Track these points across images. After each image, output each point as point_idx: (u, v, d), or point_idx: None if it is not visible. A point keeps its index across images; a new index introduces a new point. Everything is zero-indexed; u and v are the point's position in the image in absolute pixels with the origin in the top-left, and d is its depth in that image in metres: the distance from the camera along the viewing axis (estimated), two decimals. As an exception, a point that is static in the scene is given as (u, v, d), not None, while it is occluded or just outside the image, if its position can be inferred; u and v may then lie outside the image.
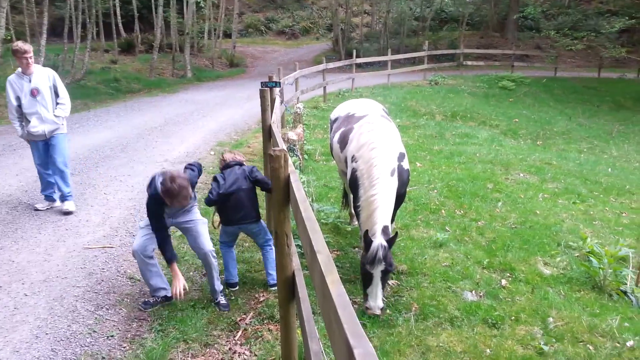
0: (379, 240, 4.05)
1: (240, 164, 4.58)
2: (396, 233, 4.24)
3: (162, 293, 4.30)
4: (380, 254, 3.99)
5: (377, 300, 4.12)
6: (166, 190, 3.80)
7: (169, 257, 4.09)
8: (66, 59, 18.40)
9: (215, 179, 4.47)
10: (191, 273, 4.92)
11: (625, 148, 13.46)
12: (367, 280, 4.13)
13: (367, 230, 4.14)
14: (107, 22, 25.77)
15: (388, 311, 4.36)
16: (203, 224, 4.37)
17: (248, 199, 4.44)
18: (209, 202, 4.46)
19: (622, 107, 19.64)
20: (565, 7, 31.22)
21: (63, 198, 6.27)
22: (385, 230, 4.14)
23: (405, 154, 4.69)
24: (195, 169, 4.37)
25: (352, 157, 4.55)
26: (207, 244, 4.27)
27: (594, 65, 25.80)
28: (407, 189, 4.95)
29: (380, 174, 4.24)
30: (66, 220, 5.99)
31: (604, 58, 24.45)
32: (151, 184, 4.04)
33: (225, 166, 4.56)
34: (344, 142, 4.92)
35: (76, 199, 6.66)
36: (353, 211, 5.51)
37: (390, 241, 4.08)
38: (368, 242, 4.06)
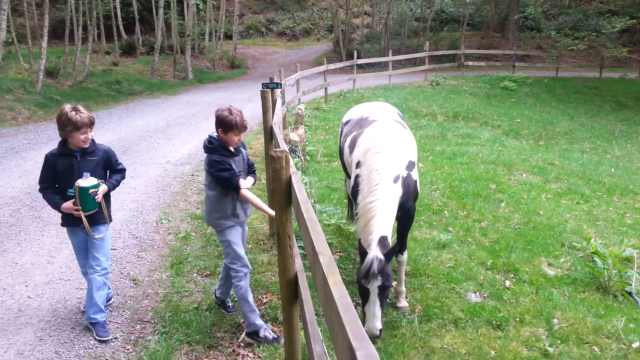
0: (373, 253, 3.69)
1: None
2: (395, 245, 3.86)
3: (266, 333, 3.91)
4: (376, 267, 3.64)
5: (375, 321, 3.75)
6: (223, 118, 3.62)
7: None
8: (67, 61, 18.42)
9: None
10: (194, 274, 4.91)
11: (628, 148, 13.42)
12: (364, 296, 3.80)
13: (359, 240, 3.84)
14: (108, 24, 25.79)
15: (393, 313, 4.35)
16: None
17: None
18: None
19: (624, 107, 19.60)
20: (565, 7, 31.17)
21: None
22: (382, 241, 3.77)
23: (416, 164, 4.37)
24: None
25: (357, 163, 4.26)
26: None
27: (595, 65, 25.76)
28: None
29: (381, 180, 3.91)
30: (69, 222, 5.97)
31: (605, 58, 24.39)
32: (211, 142, 3.75)
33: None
34: (353, 146, 4.60)
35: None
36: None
37: (388, 254, 3.74)
38: (362, 253, 3.74)
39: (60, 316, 4.10)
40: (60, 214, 3.80)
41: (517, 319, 4.31)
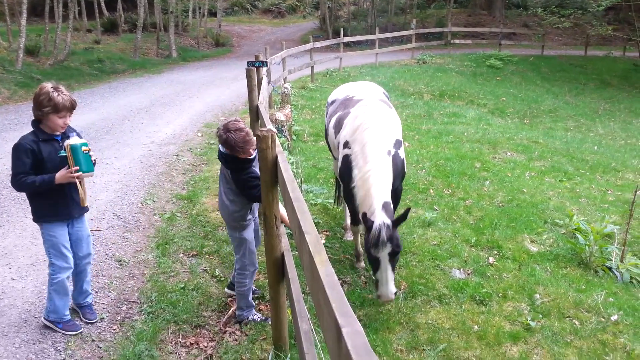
0: (380, 219, 3.59)
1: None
2: (407, 210, 3.68)
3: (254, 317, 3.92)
4: (384, 234, 3.53)
5: (388, 286, 3.71)
6: (224, 142, 3.38)
7: None
8: (48, 40, 17.99)
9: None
10: (180, 255, 4.90)
11: (611, 126, 13.58)
12: (374, 265, 3.73)
13: (364, 213, 3.69)
14: (89, 1, 25.21)
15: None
16: None
17: None
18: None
19: (608, 85, 19.77)
20: (552, -16, 31.07)
21: None
22: (386, 206, 3.68)
23: (402, 143, 4.33)
24: None
25: (345, 143, 4.17)
26: None
27: (580, 43, 25.86)
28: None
29: (376, 151, 3.88)
30: (52, 203, 5.91)
31: (590, 36, 24.47)
32: (232, 160, 3.53)
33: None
34: (338, 127, 4.52)
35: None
36: (348, 222, 5.18)
37: (396, 221, 3.65)
38: (369, 224, 3.62)
39: (45, 297, 4.07)
40: (30, 210, 3.50)
41: (500, 294, 4.39)
